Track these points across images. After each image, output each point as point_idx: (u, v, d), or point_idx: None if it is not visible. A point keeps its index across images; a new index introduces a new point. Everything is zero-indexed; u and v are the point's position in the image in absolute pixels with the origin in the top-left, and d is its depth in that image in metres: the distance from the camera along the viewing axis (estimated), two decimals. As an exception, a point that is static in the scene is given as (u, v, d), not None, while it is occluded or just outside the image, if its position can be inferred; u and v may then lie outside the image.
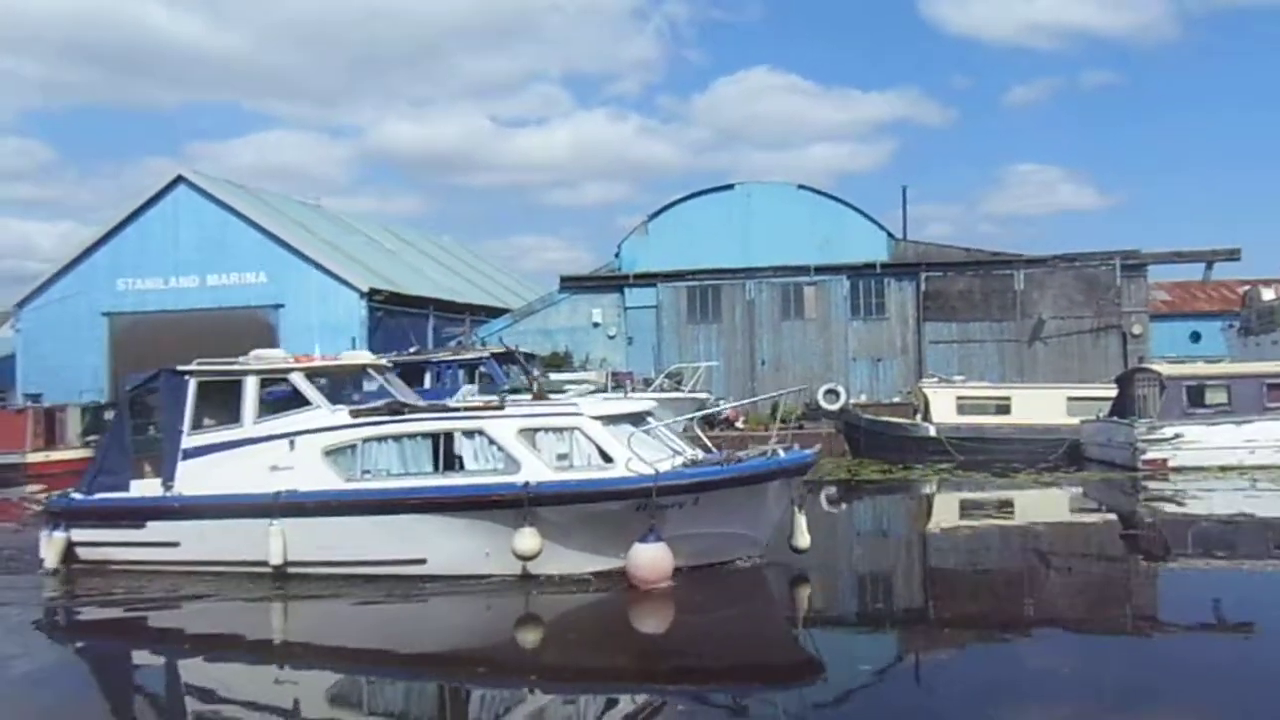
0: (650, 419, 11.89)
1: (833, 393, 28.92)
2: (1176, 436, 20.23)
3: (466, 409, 11.93)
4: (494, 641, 9.49)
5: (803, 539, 11.28)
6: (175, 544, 11.52)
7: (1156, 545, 14.21)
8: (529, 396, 13.71)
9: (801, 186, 34.37)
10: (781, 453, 10.93)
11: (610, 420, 11.14)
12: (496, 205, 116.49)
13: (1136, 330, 31.18)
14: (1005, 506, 18.21)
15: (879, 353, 32.38)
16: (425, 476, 10.92)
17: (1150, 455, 20.09)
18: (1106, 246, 31.84)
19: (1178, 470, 19.73)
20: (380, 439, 11.13)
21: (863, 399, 29.92)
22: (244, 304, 33.19)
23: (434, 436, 11.03)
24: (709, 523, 10.62)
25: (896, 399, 29.58)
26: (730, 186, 34.51)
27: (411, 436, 11.10)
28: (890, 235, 33.22)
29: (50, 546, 11.98)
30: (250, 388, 11.65)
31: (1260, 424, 20.25)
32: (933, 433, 24.35)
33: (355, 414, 11.42)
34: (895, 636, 9.74)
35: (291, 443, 11.26)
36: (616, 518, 10.35)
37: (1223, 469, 19.66)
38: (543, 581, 10.62)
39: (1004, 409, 25.13)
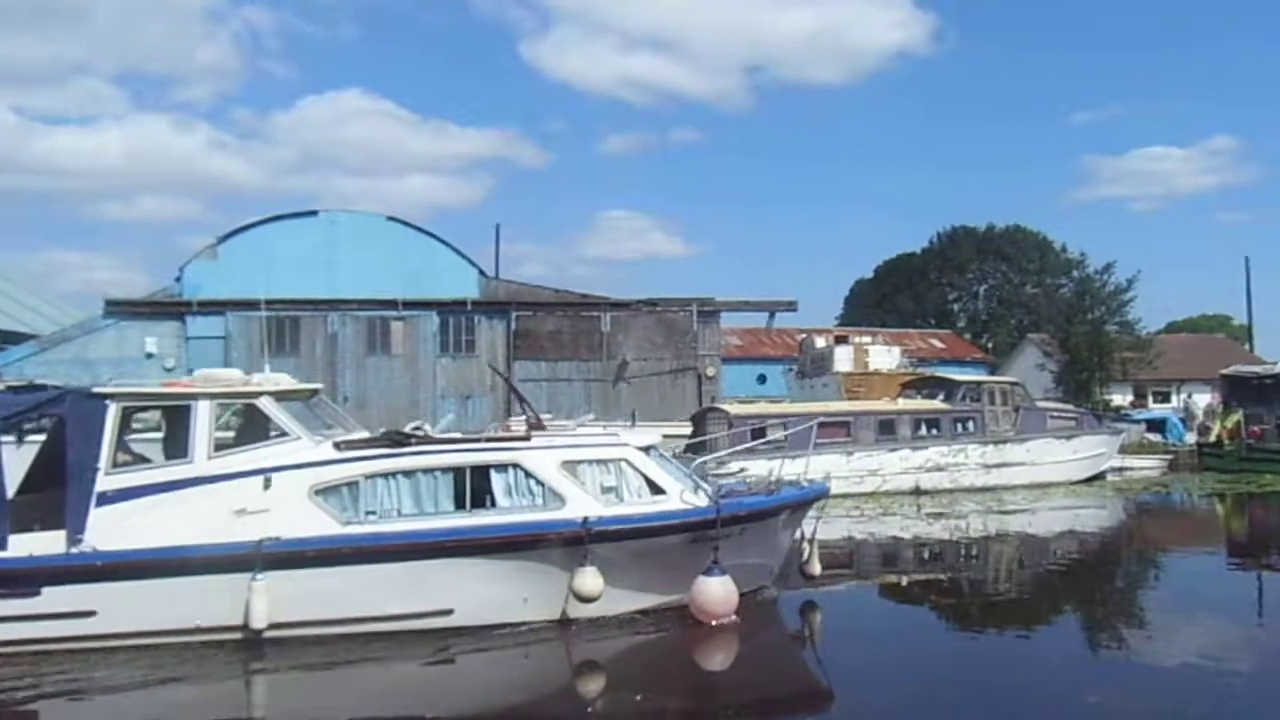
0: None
1: (419, 431, 27.62)
2: (741, 471, 21.06)
3: (493, 439, 10.79)
4: (546, 695, 8.63)
5: (816, 566, 11.61)
6: (90, 614, 9.14)
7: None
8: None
9: (391, 218, 33.25)
10: (805, 483, 11.59)
11: (648, 451, 10.70)
12: (24, 213, 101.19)
13: (710, 372, 33.05)
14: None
15: (468, 390, 31.74)
16: (446, 516, 9.82)
17: (718, 490, 20.74)
18: (694, 292, 33.78)
19: (742, 504, 20.54)
20: (387, 475, 9.89)
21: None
22: None
23: (456, 471, 10.00)
24: (748, 553, 10.48)
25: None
26: (314, 213, 32.62)
27: (428, 471, 9.99)
28: (482, 273, 33.01)
29: None
30: (203, 415, 9.80)
31: (811, 458, 21.67)
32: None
33: (341, 446, 10.01)
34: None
35: (267, 481, 9.65)
36: (671, 552, 9.93)
37: (781, 501, 20.78)
38: (585, 625, 9.81)
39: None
